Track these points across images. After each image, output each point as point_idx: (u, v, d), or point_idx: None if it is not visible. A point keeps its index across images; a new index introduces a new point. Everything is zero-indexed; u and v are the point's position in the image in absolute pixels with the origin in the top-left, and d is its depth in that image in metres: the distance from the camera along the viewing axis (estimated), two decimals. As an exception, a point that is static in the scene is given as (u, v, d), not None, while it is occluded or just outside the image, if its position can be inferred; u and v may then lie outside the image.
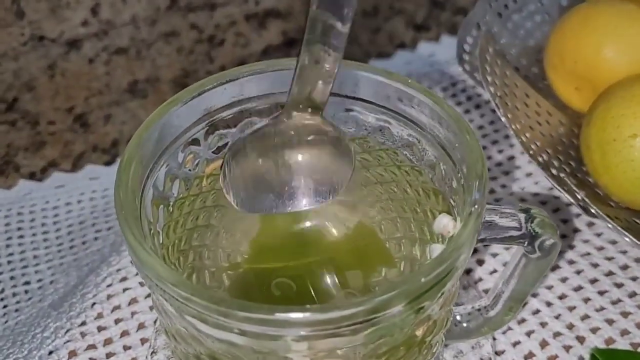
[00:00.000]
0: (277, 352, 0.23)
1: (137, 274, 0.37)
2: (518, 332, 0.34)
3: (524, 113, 0.39)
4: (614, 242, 0.38)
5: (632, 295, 0.35)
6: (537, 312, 0.35)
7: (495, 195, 0.41)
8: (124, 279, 0.37)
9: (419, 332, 0.25)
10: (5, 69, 0.50)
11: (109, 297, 0.36)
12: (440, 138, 0.27)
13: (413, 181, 0.30)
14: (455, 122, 0.26)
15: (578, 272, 0.37)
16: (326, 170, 0.28)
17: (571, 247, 0.38)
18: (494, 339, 0.34)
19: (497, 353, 0.34)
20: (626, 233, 0.34)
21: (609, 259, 0.37)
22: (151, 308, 0.35)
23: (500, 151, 0.44)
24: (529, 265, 0.28)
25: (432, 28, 0.63)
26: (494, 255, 0.38)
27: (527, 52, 0.46)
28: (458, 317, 0.31)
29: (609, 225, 0.34)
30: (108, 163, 0.53)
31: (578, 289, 0.36)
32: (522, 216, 0.26)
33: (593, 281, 0.36)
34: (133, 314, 0.35)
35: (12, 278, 0.44)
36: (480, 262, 0.38)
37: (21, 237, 0.47)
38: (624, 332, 0.34)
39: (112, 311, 0.35)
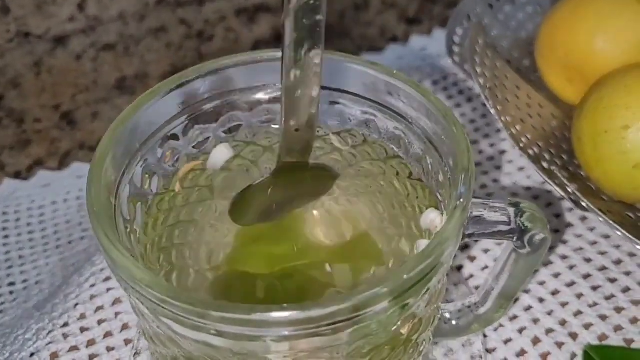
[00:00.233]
0: (256, 354, 0.22)
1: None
2: (510, 329, 0.34)
3: (514, 105, 0.38)
4: (607, 237, 0.37)
5: (626, 290, 0.35)
6: (529, 308, 0.34)
7: (487, 190, 0.41)
8: (107, 279, 0.36)
9: (405, 330, 0.24)
10: (-11, 66, 0.49)
11: (92, 297, 0.35)
12: (427, 130, 0.27)
13: (400, 176, 0.29)
14: (441, 114, 0.25)
15: (571, 268, 0.36)
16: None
17: (564, 242, 0.37)
18: (485, 336, 0.33)
19: (488, 351, 0.33)
20: (619, 227, 0.33)
21: (603, 253, 0.37)
22: (135, 308, 0.35)
23: (491, 145, 0.44)
24: (519, 261, 0.27)
25: (424, 22, 0.62)
26: (486, 251, 0.37)
27: (519, 45, 0.46)
28: (448, 315, 0.30)
29: (601, 219, 0.34)
30: (95, 161, 0.52)
31: (571, 284, 0.35)
32: (511, 210, 0.25)
33: (586, 276, 0.36)
34: (117, 314, 0.35)
35: (-4, 279, 0.44)
36: (472, 259, 0.37)
37: (6, 237, 0.46)
38: (618, 328, 0.33)
39: (95, 312, 0.35)
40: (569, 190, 0.35)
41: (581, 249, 0.37)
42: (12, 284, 0.43)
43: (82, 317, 0.35)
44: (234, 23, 0.57)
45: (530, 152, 0.36)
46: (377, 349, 0.24)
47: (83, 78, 0.53)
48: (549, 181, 0.35)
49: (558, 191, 0.35)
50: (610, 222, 0.33)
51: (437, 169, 0.27)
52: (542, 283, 0.35)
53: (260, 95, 0.29)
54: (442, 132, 0.26)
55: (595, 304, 0.34)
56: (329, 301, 0.20)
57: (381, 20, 0.61)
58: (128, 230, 0.25)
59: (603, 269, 0.36)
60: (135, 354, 0.32)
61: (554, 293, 0.35)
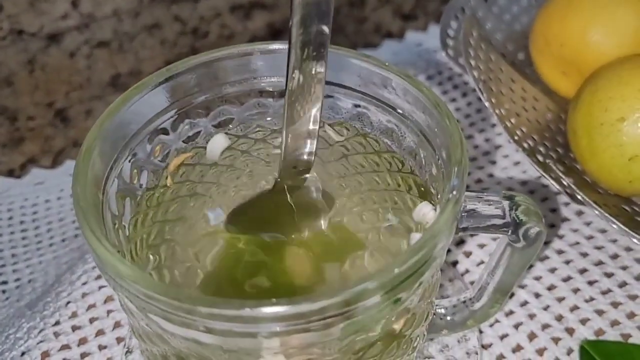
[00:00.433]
0: (247, 350, 0.22)
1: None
2: (505, 324, 0.33)
3: (509, 98, 0.38)
4: (603, 231, 0.37)
5: (622, 285, 0.34)
6: (525, 303, 0.34)
7: (482, 184, 0.40)
8: (99, 277, 0.36)
9: (398, 326, 0.24)
10: (-19, 64, 0.49)
11: (84, 295, 0.35)
12: (420, 123, 0.26)
13: (393, 169, 0.29)
14: (434, 106, 0.25)
15: (567, 262, 0.36)
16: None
17: (560, 236, 0.37)
18: (481, 332, 0.33)
19: (483, 346, 0.33)
20: (615, 220, 0.33)
21: (599, 248, 0.36)
22: (128, 306, 0.34)
23: (487, 140, 0.43)
24: (514, 255, 0.26)
25: (420, 17, 0.62)
26: (481, 246, 0.37)
27: (514, 38, 0.45)
28: (442, 310, 0.30)
29: (597, 213, 0.33)
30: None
31: (567, 279, 0.35)
32: (505, 203, 0.25)
33: (582, 271, 0.35)
34: (109, 312, 0.34)
35: (-12, 277, 0.43)
36: (467, 254, 0.37)
37: (-1, 235, 0.46)
38: (614, 323, 0.33)
39: (87, 310, 0.34)
40: (564, 183, 0.35)
41: (577, 243, 0.37)
42: (4, 282, 0.43)
43: (74, 315, 0.34)
44: (229, 19, 0.57)
45: (525, 145, 0.36)
46: (370, 344, 0.23)
47: (77, 75, 0.52)
48: (544, 174, 0.35)
49: (553, 184, 0.35)
50: (606, 215, 0.33)
51: (430, 161, 0.26)
52: (538, 278, 0.35)
53: (252, 88, 0.28)
54: (435, 124, 0.25)
55: (592, 299, 0.34)
56: (319, 296, 0.20)
57: (376, 16, 0.61)
58: (116, 226, 0.24)
59: (599, 263, 0.35)
60: (127, 352, 0.31)
61: (550, 288, 0.35)
